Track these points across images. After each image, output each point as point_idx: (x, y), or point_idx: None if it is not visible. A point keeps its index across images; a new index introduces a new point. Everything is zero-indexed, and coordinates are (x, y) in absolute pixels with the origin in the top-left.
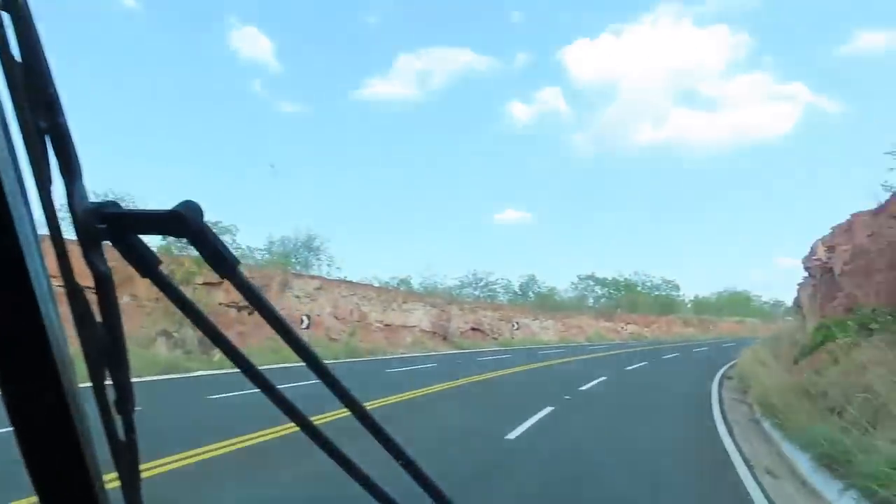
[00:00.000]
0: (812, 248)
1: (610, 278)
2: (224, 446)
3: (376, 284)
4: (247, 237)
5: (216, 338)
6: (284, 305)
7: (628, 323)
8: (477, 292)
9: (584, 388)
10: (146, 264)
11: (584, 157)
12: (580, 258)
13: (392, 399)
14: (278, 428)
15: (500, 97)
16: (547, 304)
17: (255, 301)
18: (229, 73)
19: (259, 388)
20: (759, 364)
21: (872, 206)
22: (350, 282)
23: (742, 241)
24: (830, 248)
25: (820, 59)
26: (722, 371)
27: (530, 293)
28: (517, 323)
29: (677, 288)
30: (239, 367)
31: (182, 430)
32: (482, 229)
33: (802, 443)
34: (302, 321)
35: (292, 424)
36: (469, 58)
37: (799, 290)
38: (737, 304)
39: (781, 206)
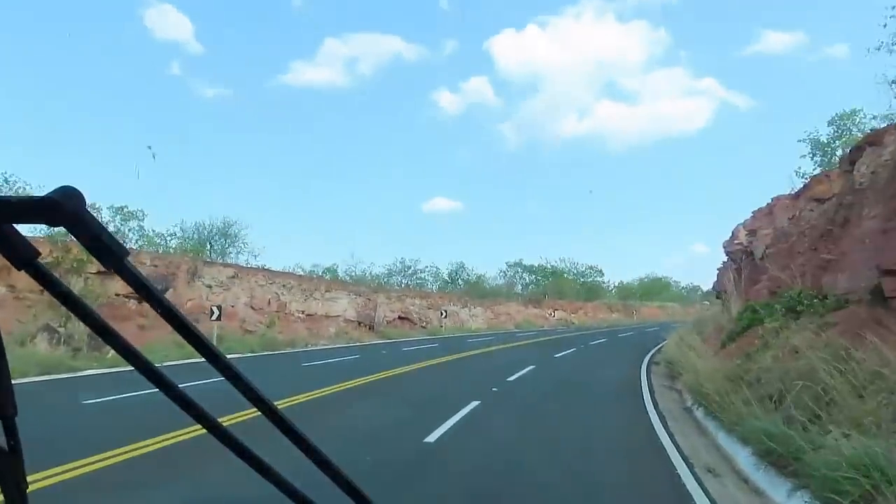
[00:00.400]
0: (733, 232)
1: (537, 265)
2: (73, 468)
3: (299, 273)
4: (161, 223)
5: (105, 333)
6: (194, 296)
7: (556, 309)
8: (405, 280)
9: (512, 378)
10: (21, 256)
11: (512, 146)
12: (509, 246)
13: (301, 398)
14: (160, 438)
15: (428, 86)
16: (476, 291)
17: (146, 294)
18: (144, 53)
19: (157, 386)
20: (687, 349)
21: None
22: (269, 270)
23: (661, 228)
24: (752, 232)
25: (731, 56)
26: (649, 356)
27: (459, 281)
28: (445, 311)
29: (602, 274)
30: (133, 365)
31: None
32: (411, 218)
33: (741, 435)
34: (212, 312)
35: (178, 432)
36: (398, 45)
37: (719, 275)
38: (657, 289)
39: (697, 196)
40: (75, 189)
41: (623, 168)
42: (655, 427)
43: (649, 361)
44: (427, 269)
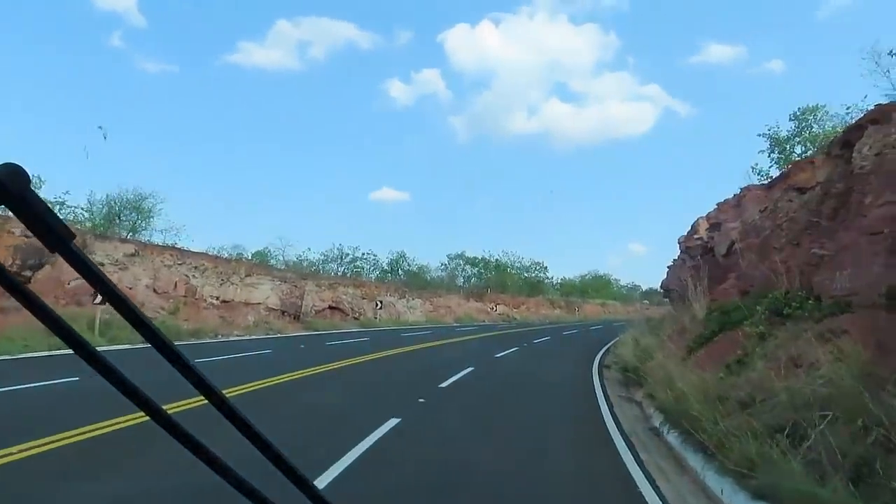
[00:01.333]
0: (693, 226)
1: (480, 258)
2: None
3: (216, 254)
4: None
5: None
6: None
7: (498, 304)
8: (342, 269)
9: (445, 384)
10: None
11: (462, 140)
12: (454, 239)
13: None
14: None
15: (380, 75)
16: (416, 282)
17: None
18: (83, 22)
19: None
20: (646, 353)
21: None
22: (179, 249)
23: (602, 227)
24: (714, 226)
25: (676, 65)
26: (598, 358)
27: (399, 271)
28: (381, 302)
29: (545, 270)
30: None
31: None
32: (357, 206)
33: (760, 491)
34: (95, 294)
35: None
36: (351, 32)
37: (669, 272)
38: (599, 286)
39: (637, 197)
40: (19, 167)
41: (569, 167)
42: (625, 462)
43: (600, 364)
44: (365, 257)
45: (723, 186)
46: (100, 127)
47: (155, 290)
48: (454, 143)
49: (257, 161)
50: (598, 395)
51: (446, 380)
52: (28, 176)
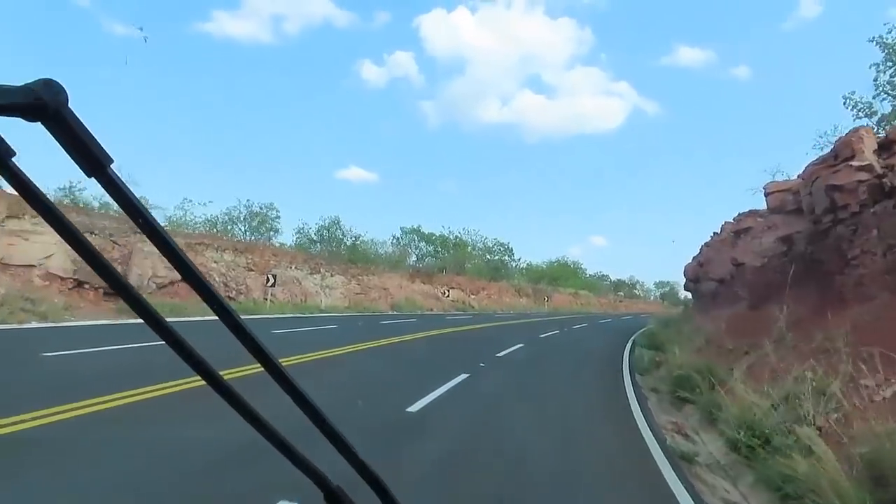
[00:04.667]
0: (837, 147)
1: (438, 234)
2: None
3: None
4: None
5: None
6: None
7: (452, 287)
8: (252, 234)
9: None
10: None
11: (433, 124)
12: (421, 222)
13: None
14: None
15: (354, 54)
16: (353, 256)
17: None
18: None
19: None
20: None
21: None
22: None
23: (566, 218)
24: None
25: (647, 64)
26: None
27: (333, 242)
28: (273, 276)
29: (511, 252)
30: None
31: None
32: (324, 183)
33: None
34: None
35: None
36: (329, 9)
37: (704, 255)
38: (566, 274)
39: (603, 190)
40: (57, 83)
41: (539, 157)
42: None
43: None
44: (279, 219)
45: (686, 188)
46: (140, 29)
47: None
48: (425, 128)
49: (222, 131)
50: None
51: None
52: (66, 92)
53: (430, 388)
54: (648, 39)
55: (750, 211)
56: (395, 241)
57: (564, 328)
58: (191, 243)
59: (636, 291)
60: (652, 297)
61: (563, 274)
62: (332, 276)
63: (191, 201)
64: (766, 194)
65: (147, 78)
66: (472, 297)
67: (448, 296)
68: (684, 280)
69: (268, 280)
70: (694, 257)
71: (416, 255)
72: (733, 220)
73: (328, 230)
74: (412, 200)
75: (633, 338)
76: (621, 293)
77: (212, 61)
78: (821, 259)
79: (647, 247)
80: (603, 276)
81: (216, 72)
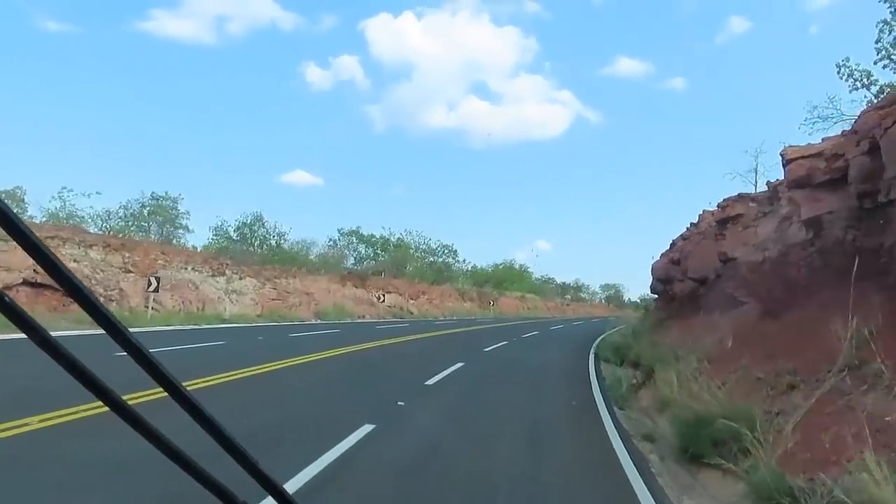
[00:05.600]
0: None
1: (378, 236)
2: None
3: None
4: None
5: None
6: None
7: (388, 291)
8: (159, 231)
9: None
10: None
11: (379, 129)
12: (366, 226)
13: None
14: None
15: (299, 56)
16: (265, 257)
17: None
18: None
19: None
20: None
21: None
22: None
23: (512, 223)
24: None
25: (589, 74)
26: None
27: (255, 242)
28: (155, 279)
29: (455, 254)
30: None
31: None
32: (265, 187)
33: None
34: None
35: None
36: (274, 11)
37: (682, 248)
38: (513, 277)
39: (547, 196)
40: None
41: (485, 163)
42: None
43: None
44: (185, 214)
45: (629, 193)
46: None
47: None
48: (372, 132)
49: (158, 132)
50: None
51: None
52: None
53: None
54: (590, 50)
55: (739, 195)
56: (331, 243)
57: (513, 337)
58: (49, 236)
59: (582, 294)
60: (598, 300)
61: (509, 277)
62: (240, 278)
63: (71, 191)
64: (786, 162)
65: (88, 76)
66: (412, 301)
67: (383, 301)
68: (651, 280)
69: (149, 284)
70: (663, 254)
71: (355, 258)
72: (717, 206)
73: (249, 228)
74: (359, 205)
75: (593, 348)
76: (568, 296)
77: (151, 61)
78: (872, 248)
79: (591, 251)
80: (549, 279)
81: (155, 73)
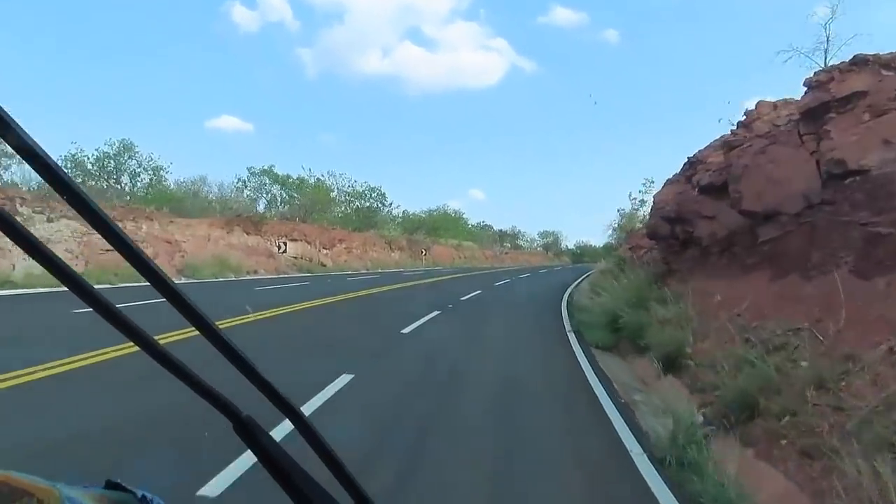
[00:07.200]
0: None
1: (295, 177)
2: None
3: None
4: None
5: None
6: None
7: (293, 239)
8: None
9: None
10: None
11: (311, 74)
12: (286, 168)
13: None
14: None
15: None
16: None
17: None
18: None
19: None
20: None
21: None
22: None
23: (446, 173)
24: None
25: (524, 22)
26: None
27: (128, 179)
28: None
29: (384, 198)
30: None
31: None
32: (189, 133)
33: None
34: None
35: None
36: None
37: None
38: (448, 224)
39: (481, 145)
40: None
41: (420, 110)
42: None
43: None
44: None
45: (561, 144)
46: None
47: None
48: (304, 77)
49: (65, 70)
50: None
51: None
52: None
53: None
54: None
55: (852, 60)
56: (239, 183)
57: (449, 303)
58: None
59: (520, 242)
60: (536, 247)
61: (444, 224)
62: (49, 220)
63: None
64: None
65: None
66: (325, 251)
67: (284, 251)
68: (650, 219)
69: None
70: (672, 179)
71: (268, 202)
72: (807, 85)
73: (114, 160)
74: (290, 152)
75: (570, 320)
76: (507, 244)
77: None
78: None
79: (526, 199)
80: (486, 226)
81: (67, 9)
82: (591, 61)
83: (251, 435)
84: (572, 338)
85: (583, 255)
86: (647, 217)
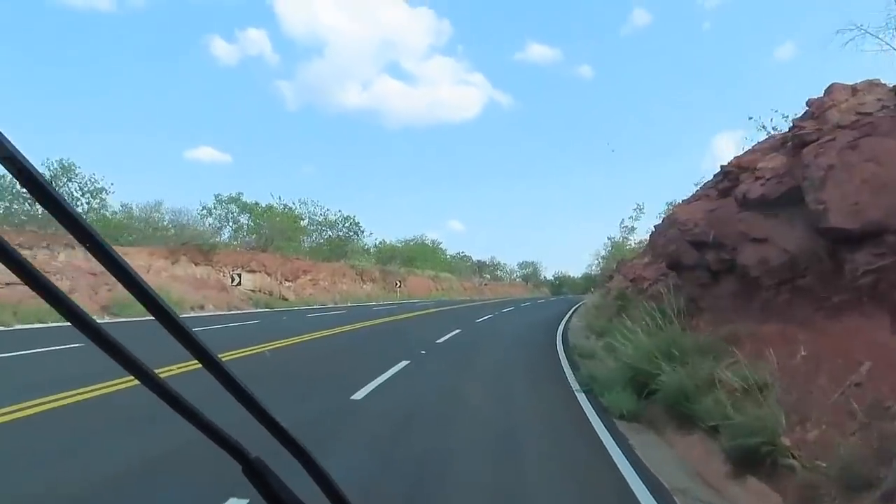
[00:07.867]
0: None
1: (265, 205)
2: None
3: None
4: None
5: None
6: None
7: (251, 270)
8: None
9: None
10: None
11: (291, 107)
12: (257, 196)
13: None
14: None
15: (203, 29)
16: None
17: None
18: None
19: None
20: None
21: None
22: None
23: (424, 205)
24: None
25: (501, 59)
26: None
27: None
28: None
29: (358, 227)
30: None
31: None
32: (168, 163)
33: None
34: None
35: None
36: None
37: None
38: (426, 254)
39: (460, 177)
40: None
41: (399, 144)
42: None
43: None
44: None
45: (537, 176)
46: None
47: None
48: (283, 110)
49: (48, 93)
50: None
51: None
52: None
53: None
54: (502, 34)
55: None
56: (203, 211)
57: (422, 349)
58: None
59: (499, 273)
60: (515, 278)
61: (420, 254)
62: None
63: None
64: None
65: None
66: (287, 283)
67: (238, 283)
68: (666, 245)
69: None
70: (699, 194)
71: (232, 230)
72: None
73: (52, 181)
74: (269, 183)
75: (575, 380)
76: (487, 275)
77: (44, 29)
78: None
79: (505, 230)
80: (464, 256)
81: (47, 40)
82: (565, 95)
83: (260, 476)
84: (584, 401)
85: (562, 285)
86: (643, 244)
